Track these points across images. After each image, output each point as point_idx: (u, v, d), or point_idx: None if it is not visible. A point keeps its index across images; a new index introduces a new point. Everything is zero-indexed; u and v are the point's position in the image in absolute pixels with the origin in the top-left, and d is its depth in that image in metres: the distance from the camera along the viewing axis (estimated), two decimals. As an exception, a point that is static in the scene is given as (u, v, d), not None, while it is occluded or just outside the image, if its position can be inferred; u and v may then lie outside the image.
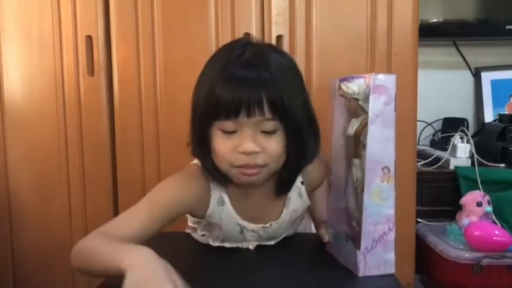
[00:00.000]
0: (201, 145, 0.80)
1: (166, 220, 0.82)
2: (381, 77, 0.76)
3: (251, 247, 0.93)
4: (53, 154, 1.46)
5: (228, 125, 0.76)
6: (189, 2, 1.41)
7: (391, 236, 0.79)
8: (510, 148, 1.66)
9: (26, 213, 1.49)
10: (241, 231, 0.90)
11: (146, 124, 1.44)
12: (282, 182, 0.86)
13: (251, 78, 0.75)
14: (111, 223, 0.80)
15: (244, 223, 0.89)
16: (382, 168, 0.77)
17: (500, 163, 1.67)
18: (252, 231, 0.90)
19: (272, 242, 0.95)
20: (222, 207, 0.87)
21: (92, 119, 1.45)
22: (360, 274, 0.78)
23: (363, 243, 0.78)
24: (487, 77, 1.99)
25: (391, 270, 0.80)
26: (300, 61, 1.40)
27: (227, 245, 0.94)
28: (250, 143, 0.76)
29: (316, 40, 1.41)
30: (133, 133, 1.44)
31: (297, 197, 0.91)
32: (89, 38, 1.42)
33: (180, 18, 1.41)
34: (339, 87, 0.80)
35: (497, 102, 1.98)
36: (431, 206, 1.65)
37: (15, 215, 1.50)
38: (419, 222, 1.60)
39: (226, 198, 0.87)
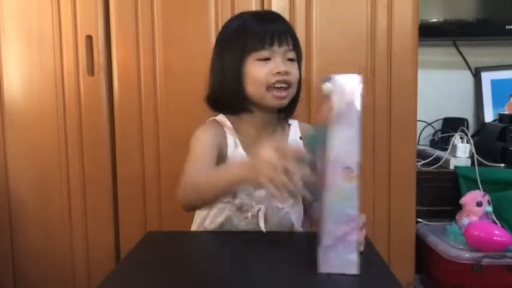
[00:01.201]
0: (235, 80, 1.00)
1: (214, 158, 0.99)
2: (342, 77, 0.75)
3: (256, 210, 1.01)
4: (53, 154, 1.46)
5: (264, 53, 0.98)
6: (189, 2, 1.41)
7: (353, 237, 0.78)
8: (510, 148, 1.66)
9: (26, 213, 1.49)
10: None
11: (146, 124, 1.44)
12: (289, 106, 1.05)
13: (276, 19, 1.03)
14: (190, 171, 0.95)
15: None
16: (345, 168, 0.76)
17: (500, 163, 1.67)
18: None
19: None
20: (236, 149, 1.03)
21: (92, 119, 1.45)
22: (320, 270, 0.78)
23: (324, 241, 0.77)
24: (487, 77, 1.99)
25: (354, 271, 0.79)
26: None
27: (237, 202, 1.02)
28: (283, 65, 0.98)
29: (316, 39, 1.41)
30: (133, 133, 1.44)
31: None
32: (89, 38, 1.43)
33: (180, 18, 1.41)
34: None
35: (497, 102, 1.98)
36: (431, 206, 1.65)
37: (15, 215, 1.50)
38: (419, 222, 1.60)
39: (238, 142, 1.04)
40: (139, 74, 1.43)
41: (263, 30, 0.98)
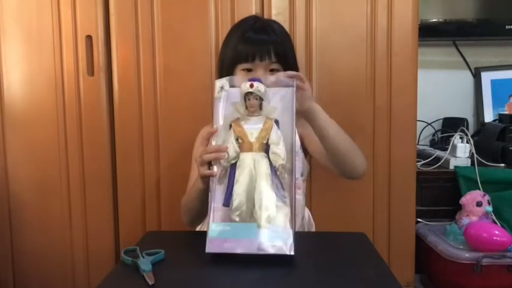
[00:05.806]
0: None
1: None
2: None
3: None
4: (53, 154, 1.46)
5: (248, 65, 1.13)
6: (189, 2, 1.41)
7: None
8: (510, 148, 1.67)
9: (26, 213, 1.49)
10: None
11: (146, 124, 1.44)
12: None
13: (263, 38, 1.15)
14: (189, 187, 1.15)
15: None
16: None
17: (500, 163, 1.67)
18: None
19: None
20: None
21: (92, 119, 1.45)
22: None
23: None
24: (487, 77, 1.99)
25: None
26: (300, 61, 1.40)
27: None
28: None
29: (316, 40, 1.41)
30: (133, 133, 1.44)
31: None
32: (89, 38, 1.43)
33: (180, 18, 1.41)
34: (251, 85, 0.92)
35: (497, 102, 1.98)
36: (431, 206, 1.65)
37: (15, 215, 1.50)
38: (419, 222, 1.60)
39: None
40: (139, 74, 1.43)
41: (247, 47, 1.13)
